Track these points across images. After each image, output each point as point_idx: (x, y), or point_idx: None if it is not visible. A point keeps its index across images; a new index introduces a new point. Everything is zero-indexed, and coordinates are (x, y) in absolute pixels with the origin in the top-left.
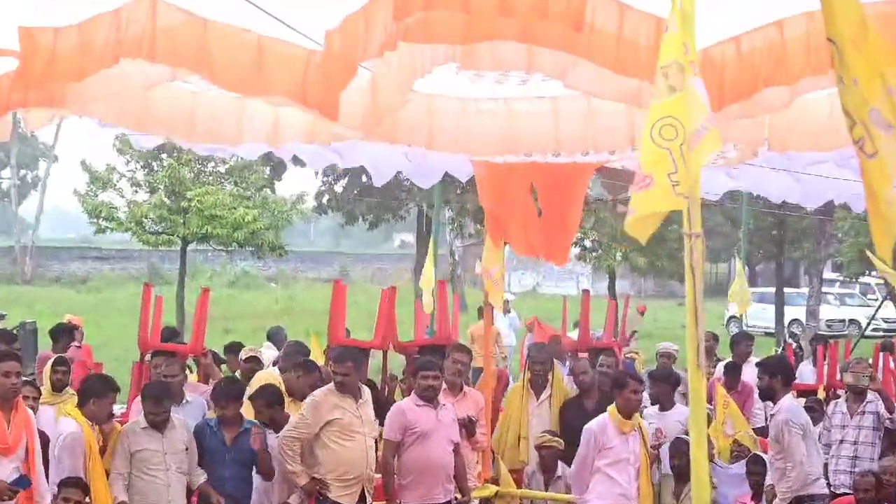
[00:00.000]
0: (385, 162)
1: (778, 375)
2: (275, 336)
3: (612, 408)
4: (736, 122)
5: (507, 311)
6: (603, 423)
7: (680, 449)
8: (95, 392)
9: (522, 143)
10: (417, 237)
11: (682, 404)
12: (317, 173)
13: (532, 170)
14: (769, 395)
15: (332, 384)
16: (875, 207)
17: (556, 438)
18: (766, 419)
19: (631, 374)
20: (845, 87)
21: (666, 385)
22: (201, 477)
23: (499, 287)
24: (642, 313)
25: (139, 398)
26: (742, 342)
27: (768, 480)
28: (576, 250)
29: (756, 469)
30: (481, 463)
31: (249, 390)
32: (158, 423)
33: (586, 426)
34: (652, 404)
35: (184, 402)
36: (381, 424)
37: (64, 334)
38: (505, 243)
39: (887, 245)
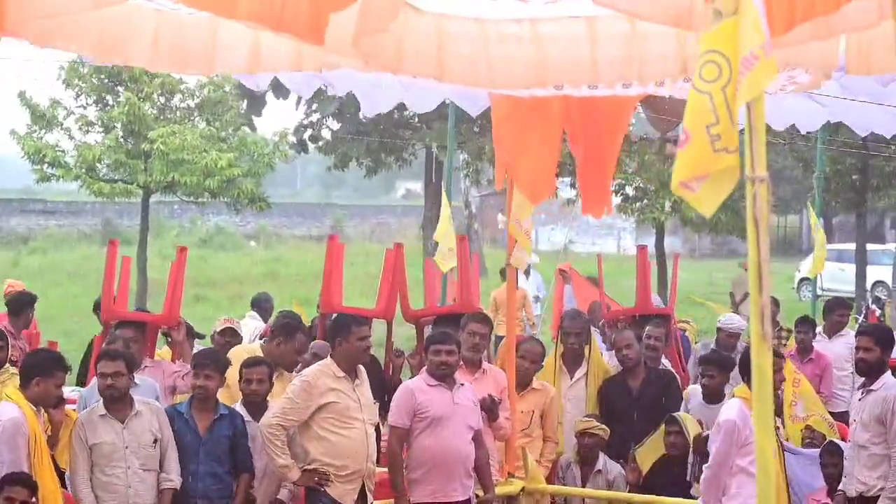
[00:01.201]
0: (380, 90)
1: (890, 347)
2: (261, 304)
3: (743, 389)
4: (807, 45)
5: (527, 273)
6: (744, 414)
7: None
8: (40, 370)
9: (552, 74)
10: (426, 186)
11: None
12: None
13: (564, 105)
14: (876, 369)
15: (326, 360)
16: None
17: (602, 425)
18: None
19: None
20: None
21: (724, 373)
22: (167, 481)
23: (530, 238)
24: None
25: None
26: (836, 310)
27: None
28: (616, 200)
29: (832, 460)
30: (505, 453)
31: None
32: (115, 396)
33: (726, 417)
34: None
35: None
36: (385, 408)
37: (26, 305)
38: None
39: None
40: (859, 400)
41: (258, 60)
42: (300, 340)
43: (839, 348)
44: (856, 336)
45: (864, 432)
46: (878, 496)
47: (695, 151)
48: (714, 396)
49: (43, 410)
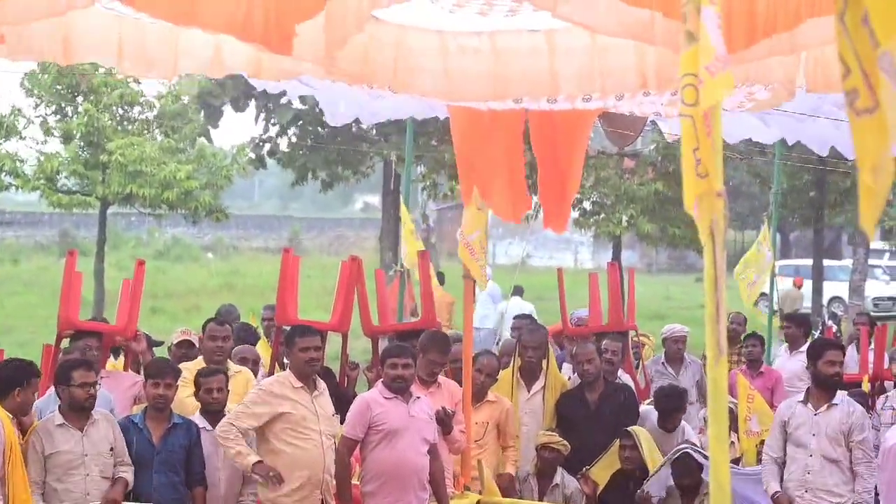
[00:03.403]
0: (345, 100)
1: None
2: (226, 316)
3: None
4: (767, 59)
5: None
6: None
7: (689, 466)
8: (18, 381)
9: (512, 87)
10: (383, 198)
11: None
12: (256, 117)
13: (523, 118)
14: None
15: (285, 371)
16: (862, 174)
17: (563, 441)
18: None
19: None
20: (845, 27)
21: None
22: (121, 472)
23: (477, 257)
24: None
25: (52, 389)
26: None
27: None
28: (574, 214)
29: None
30: (460, 466)
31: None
32: (88, 405)
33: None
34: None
35: None
36: (341, 421)
37: None
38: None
39: (871, 217)
40: (815, 415)
41: (220, 64)
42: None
43: (795, 365)
44: (830, 350)
45: (835, 447)
46: None
47: (688, 175)
48: (668, 424)
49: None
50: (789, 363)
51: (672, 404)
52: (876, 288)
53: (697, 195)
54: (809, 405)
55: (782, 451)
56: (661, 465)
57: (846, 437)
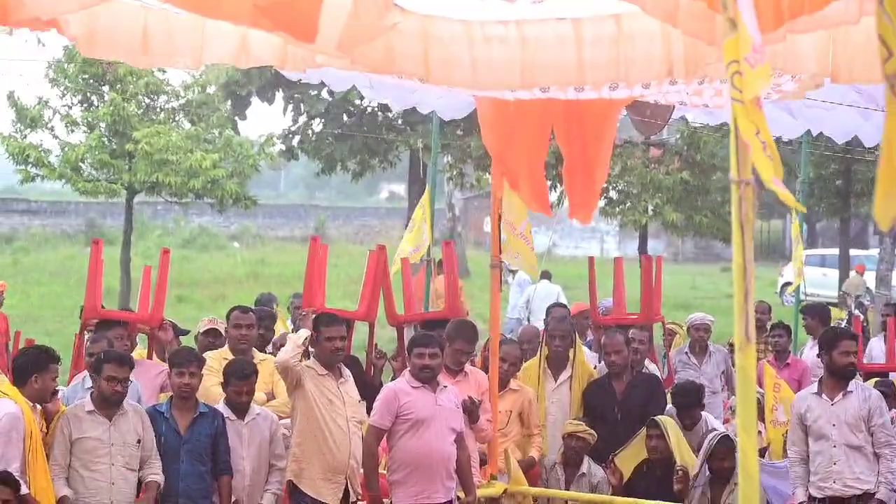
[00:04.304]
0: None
1: None
2: (266, 304)
3: None
4: (795, 48)
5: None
6: None
7: (730, 449)
8: (35, 367)
9: (539, 76)
10: (409, 188)
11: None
12: (285, 109)
13: (550, 108)
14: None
15: (310, 360)
16: (889, 162)
17: (590, 430)
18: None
19: (845, 332)
20: (885, 9)
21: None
22: (151, 475)
23: (531, 245)
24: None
25: (81, 375)
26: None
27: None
28: (600, 203)
29: None
30: (487, 455)
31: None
32: (114, 400)
33: None
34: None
35: None
36: (367, 410)
37: None
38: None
39: (891, 209)
40: (832, 405)
41: (247, 54)
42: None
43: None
44: (844, 340)
45: (857, 433)
46: (876, 491)
47: (760, 159)
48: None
49: (38, 406)
50: (811, 353)
51: (688, 400)
52: None
53: (772, 174)
54: (824, 396)
55: (805, 445)
56: (703, 452)
57: (866, 422)
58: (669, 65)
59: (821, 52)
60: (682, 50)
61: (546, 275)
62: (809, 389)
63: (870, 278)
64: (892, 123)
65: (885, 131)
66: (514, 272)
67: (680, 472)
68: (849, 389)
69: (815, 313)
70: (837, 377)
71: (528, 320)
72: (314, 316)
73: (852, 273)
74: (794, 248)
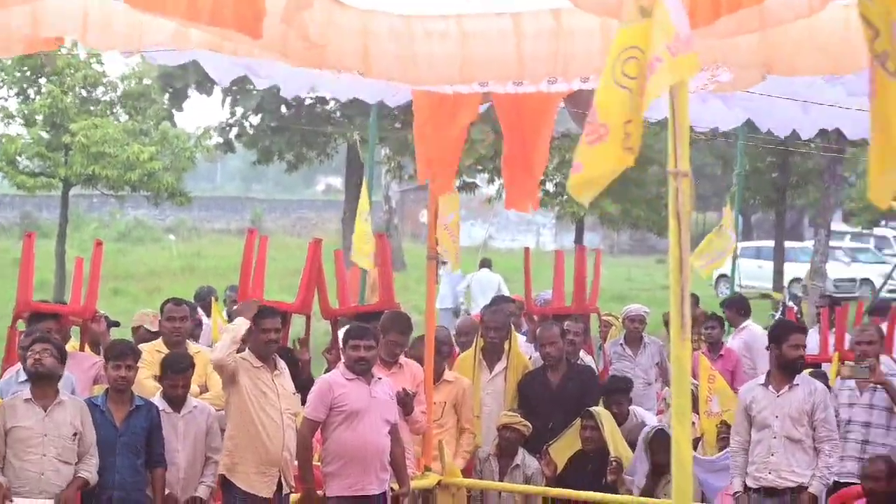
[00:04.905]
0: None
1: None
2: (206, 297)
3: None
4: (732, 39)
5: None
6: None
7: (665, 443)
8: None
9: (478, 70)
10: (346, 180)
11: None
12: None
13: (490, 99)
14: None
15: (245, 352)
16: (883, 140)
17: (525, 422)
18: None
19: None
20: None
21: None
22: (83, 471)
23: (454, 239)
24: None
25: (14, 369)
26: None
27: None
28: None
29: None
30: (421, 447)
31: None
32: (42, 374)
33: None
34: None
35: None
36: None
37: None
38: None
39: (890, 187)
40: (777, 397)
41: (185, 37)
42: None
43: (736, 344)
44: (794, 334)
45: (798, 427)
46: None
47: (611, 147)
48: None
49: None
50: (734, 343)
51: (614, 386)
52: (837, 269)
53: (614, 168)
54: (770, 388)
55: (748, 436)
56: (640, 446)
57: (809, 416)
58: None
59: (758, 44)
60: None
61: (486, 263)
62: (757, 381)
63: (803, 270)
64: (885, 101)
65: (877, 109)
66: (445, 263)
67: (614, 464)
68: (795, 383)
69: (734, 305)
70: (785, 370)
71: (468, 312)
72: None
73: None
74: (717, 235)
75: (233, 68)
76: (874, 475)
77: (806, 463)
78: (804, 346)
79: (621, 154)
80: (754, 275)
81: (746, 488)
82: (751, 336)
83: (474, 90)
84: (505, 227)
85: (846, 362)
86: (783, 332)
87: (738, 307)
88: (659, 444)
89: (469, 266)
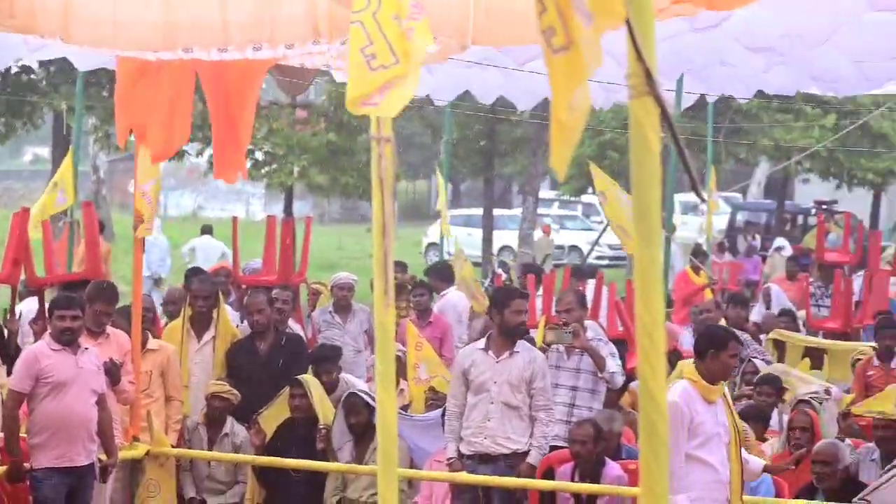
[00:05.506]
0: None
1: None
2: None
3: (691, 371)
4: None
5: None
6: (689, 395)
7: (356, 405)
8: None
9: (182, 36)
10: (53, 150)
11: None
12: None
13: (195, 68)
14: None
15: None
16: (556, 111)
17: (233, 390)
18: None
19: (734, 333)
20: None
21: None
22: None
23: (152, 204)
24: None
25: None
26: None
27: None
28: (246, 165)
29: None
30: (130, 416)
31: None
32: None
33: (668, 401)
34: None
35: None
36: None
37: None
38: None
39: (564, 156)
40: (497, 363)
41: None
42: None
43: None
44: (516, 299)
45: (516, 394)
46: (527, 451)
47: (357, 73)
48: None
49: None
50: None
51: (323, 354)
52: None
53: (390, 83)
54: (490, 353)
55: (465, 399)
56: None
57: (528, 383)
58: (314, 26)
59: (461, 14)
60: (325, 10)
61: (208, 230)
62: (476, 345)
63: (512, 237)
64: (554, 76)
65: (551, 84)
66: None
67: (323, 431)
68: (516, 350)
69: (437, 272)
70: (506, 336)
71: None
72: None
73: (540, 233)
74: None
75: None
76: (581, 438)
77: (521, 430)
78: (526, 312)
79: (370, 75)
80: (464, 242)
81: (461, 454)
82: (446, 303)
83: (178, 56)
84: (215, 196)
85: (550, 327)
86: (505, 298)
87: (442, 274)
88: (352, 406)
89: (176, 234)
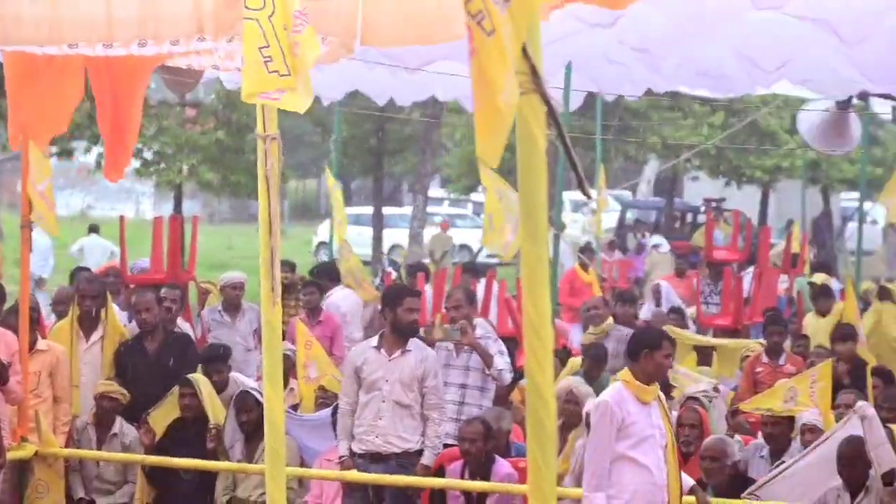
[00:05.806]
0: None
1: None
2: None
3: (625, 373)
4: (322, 9)
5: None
6: (621, 396)
7: (246, 402)
8: None
9: (67, 31)
10: None
11: None
12: None
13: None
14: None
15: None
16: (486, 98)
17: (122, 390)
18: None
19: (666, 334)
20: None
21: None
22: None
23: (51, 205)
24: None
25: None
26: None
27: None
28: (135, 164)
29: None
30: (18, 417)
31: None
32: None
33: (599, 400)
34: None
35: None
36: None
37: None
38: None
39: (497, 145)
40: (389, 361)
41: None
42: None
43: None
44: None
45: (408, 392)
46: (419, 451)
47: (253, 69)
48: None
49: None
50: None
51: (212, 353)
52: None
53: (286, 88)
54: (383, 351)
55: (357, 398)
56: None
57: (420, 382)
58: (199, 22)
59: (349, 15)
60: (211, 8)
61: (95, 228)
62: (369, 342)
63: (402, 236)
64: (485, 59)
65: (478, 69)
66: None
67: (213, 431)
68: (408, 348)
69: (325, 272)
70: (399, 334)
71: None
72: None
73: (437, 230)
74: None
75: None
76: (470, 436)
77: (413, 429)
78: (418, 310)
79: (267, 77)
80: (354, 241)
81: (352, 453)
82: (330, 304)
83: (63, 52)
84: (104, 195)
85: (438, 324)
86: (397, 296)
87: (329, 274)
88: (243, 404)
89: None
